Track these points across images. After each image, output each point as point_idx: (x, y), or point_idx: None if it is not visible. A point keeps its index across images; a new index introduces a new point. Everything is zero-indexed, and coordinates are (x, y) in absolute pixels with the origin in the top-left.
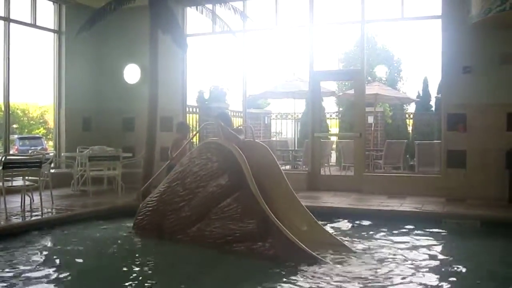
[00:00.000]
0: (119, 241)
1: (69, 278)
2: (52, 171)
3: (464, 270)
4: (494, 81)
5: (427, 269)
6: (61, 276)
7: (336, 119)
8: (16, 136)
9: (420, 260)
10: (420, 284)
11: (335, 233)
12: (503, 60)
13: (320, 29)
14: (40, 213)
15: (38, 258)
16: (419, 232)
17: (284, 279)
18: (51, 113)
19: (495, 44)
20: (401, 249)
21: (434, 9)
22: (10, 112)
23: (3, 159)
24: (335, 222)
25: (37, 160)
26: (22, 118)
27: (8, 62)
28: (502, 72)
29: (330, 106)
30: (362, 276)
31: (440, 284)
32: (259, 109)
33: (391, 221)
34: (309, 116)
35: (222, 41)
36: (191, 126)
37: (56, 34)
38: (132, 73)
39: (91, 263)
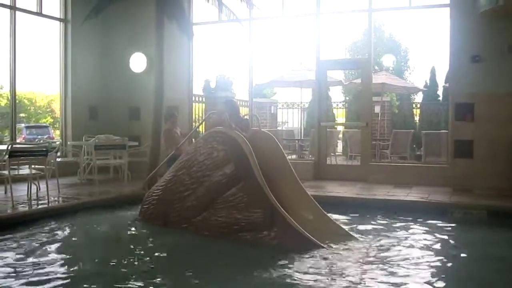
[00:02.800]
0: (125, 230)
1: (75, 266)
2: (58, 159)
3: (469, 260)
4: (503, 71)
5: (431, 259)
6: (67, 265)
7: (343, 108)
8: (23, 125)
9: (425, 250)
10: (424, 273)
11: (340, 222)
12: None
13: (327, 18)
14: (46, 201)
15: (45, 246)
16: (425, 222)
17: (290, 269)
18: (58, 102)
19: (503, 33)
20: (407, 239)
21: None
22: (17, 101)
23: (9, 148)
24: (341, 211)
25: (43, 149)
26: (28, 107)
27: (14, 51)
28: (511, 62)
29: (337, 95)
30: (366, 265)
31: (442, 274)
32: (265, 99)
33: (397, 211)
34: (315, 106)
35: (228, 30)
36: (197, 115)
37: (62, 22)
38: (138, 62)
39: (97, 251)
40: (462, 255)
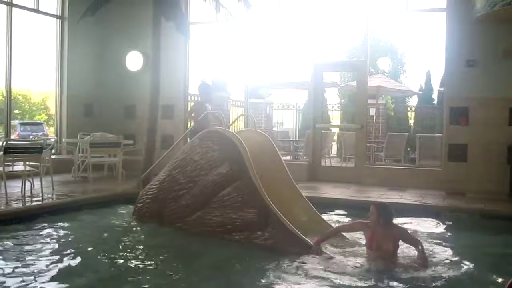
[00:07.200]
0: (118, 228)
1: (68, 264)
2: (53, 157)
3: (462, 264)
4: (497, 75)
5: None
6: (60, 262)
7: (338, 110)
8: (17, 121)
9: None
10: (416, 275)
11: (334, 224)
12: (507, 54)
13: (324, 19)
14: (40, 198)
15: (37, 243)
16: (418, 224)
17: (283, 269)
18: (53, 99)
19: (499, 38)
20: None
21: (439, 1)
22: (12, 97)
23: (4, 144)
24: (335, 213)
25: (38, 146)
26: (23, 104)
27: (11, 47)
28: (506, 67)
29: (332, 97)
30: (359, 266)
31: (434, 276)
32: (261, 99)
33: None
34: (310, 107)
35: (225, 30)
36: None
37: (58, 19)
38: (134, 61)
39: (90, 249)
40: (453, 258)
